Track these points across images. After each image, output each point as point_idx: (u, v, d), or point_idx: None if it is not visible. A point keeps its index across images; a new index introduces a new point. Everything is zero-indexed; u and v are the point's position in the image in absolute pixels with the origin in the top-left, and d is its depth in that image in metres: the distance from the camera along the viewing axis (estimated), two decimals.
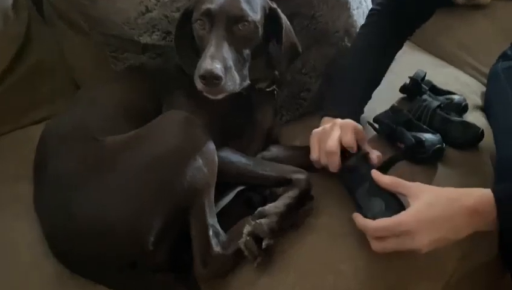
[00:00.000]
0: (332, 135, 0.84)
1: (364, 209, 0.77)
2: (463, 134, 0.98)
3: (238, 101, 0.89)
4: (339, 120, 0.87)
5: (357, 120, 0.91)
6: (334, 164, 0.84)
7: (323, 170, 0.87)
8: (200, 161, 0.78)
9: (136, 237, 0.74)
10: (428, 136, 0.93)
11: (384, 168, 0.87)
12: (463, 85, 1.19)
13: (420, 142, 0.92)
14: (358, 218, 0.76)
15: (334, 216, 0.85)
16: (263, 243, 0.76)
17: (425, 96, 1.03)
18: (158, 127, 0.81)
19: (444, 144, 0.94)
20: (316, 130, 0.88)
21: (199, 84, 0.81)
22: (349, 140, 0.83)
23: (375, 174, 0.78)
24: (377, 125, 0.99)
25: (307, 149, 0.91)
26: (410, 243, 0.71)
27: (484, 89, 1.19)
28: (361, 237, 0.79)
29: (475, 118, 1.07)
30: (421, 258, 0.79)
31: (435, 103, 1.00)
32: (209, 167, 0.79)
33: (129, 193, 0.74)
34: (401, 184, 0.76)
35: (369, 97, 0.98)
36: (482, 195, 0.72)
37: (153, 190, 0.75)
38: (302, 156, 0.93)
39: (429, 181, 0.90)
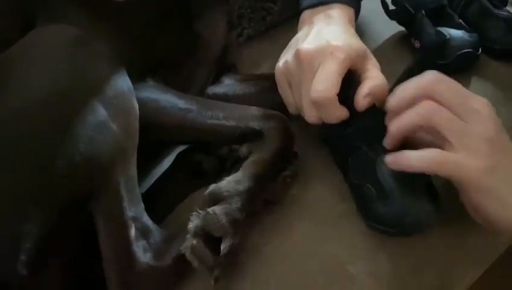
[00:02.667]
0: (324, 66, 0.48)
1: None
2: (506, 37, 0.67)
3: (167, 5, 0.54)
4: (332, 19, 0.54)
5: (358, 8, 0.61)
6: (332, 117, 0.50)
7: None
8: (102, 112, 0.45)
9: None
10: (456, 34, 0.64)
11: None
12: None
13: (442, 41, 0.63)
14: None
15: (331, 186, 0.53)
16: (221, 246, 0.45)
17: None
18: (23, 55, 0.46)
19: (480, 50, 0.66)
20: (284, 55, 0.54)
21: None
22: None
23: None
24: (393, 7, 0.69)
25: (271, 79, 0.59)
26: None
27: None
28: None
29: None
30: (469, 242, 0.51)
31: None
32: (121, 120, 0.46)
33: None
34: None
35: None
36: None
37: (18, 171, 0.42)
38: (273, 91, 0.61)
39: None
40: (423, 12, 0.66)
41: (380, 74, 0.51)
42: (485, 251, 0.51)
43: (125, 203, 0.46)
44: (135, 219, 0.47)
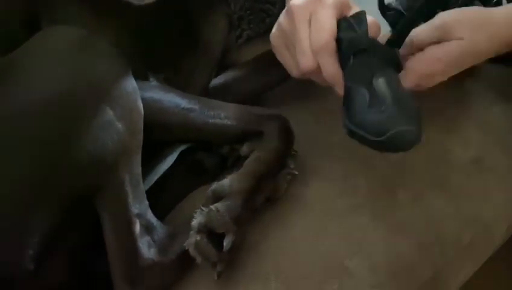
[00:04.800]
0: (317, 15, 0.47)
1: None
2: None
3: (168, 8, 0.55)
4: None
5: None
6: (330, 68, 0.48)
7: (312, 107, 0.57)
8: (108, 111, 0.46)
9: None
10: None
11: (394, 43, 0.53)
12: None
13: None
14: None
15: (330, 181, 0.55)
16: (224, 242, 0.46)
17: None
18: (30, 56, 0.47)
19: None
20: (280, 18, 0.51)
21: None
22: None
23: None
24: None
25: (266, 56, 0.62)
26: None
27: None
28: (379, 211, 0.52)
29: None
30: (465, 236, 0.53)
31: None
32: (127, 119, 0.47)
33: None
34: None
35: None
36: None
37: (25, 168, 0.43)
38: (263, 71, 0.63)
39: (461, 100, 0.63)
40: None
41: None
42: (480, 247, 0.53)
43: (130, 200, 0.47)
44: (140, 216, 0.48)
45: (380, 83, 0.45)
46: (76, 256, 0.48)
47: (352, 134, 0.46)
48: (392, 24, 0.71)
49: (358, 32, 0.48)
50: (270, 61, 0.58)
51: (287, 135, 0.53)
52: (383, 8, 0.70)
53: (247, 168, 0.50)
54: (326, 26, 0.47)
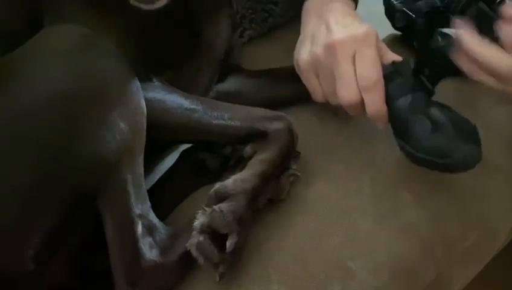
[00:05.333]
0: (363, 54, 0.51)
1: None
2: None
3: (171, 8, 0.55)
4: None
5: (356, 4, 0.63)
6: (378, 105, 0.52)
7: (315, 108, 0.57)
8: (111, 110, 0.46)
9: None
10: None
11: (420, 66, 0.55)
12: None
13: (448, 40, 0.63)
14: None
15: (334, 182, 0.55)
16: (227, 243, 0.46)
17: None
18: (33, 54, 0.47)
19: None
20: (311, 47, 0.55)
21: None
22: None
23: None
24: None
25: (282, 74, 0.63)
26: None
27: None
28: (383, 212, 0.52)
29: None
30: (469, 237, 0.53)
31: None
32: (130, 119, 0.47)
33: None
34: None
35: None
36: None
37: (26, 166, 0.43)
38: (277, 85, 0.62)
39: (466, 101, 0.62)
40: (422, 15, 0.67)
41: None
42: (483, 250, 0.52)
43: (132, 201, 0.47)
44: (141, 216, 0.47)
45: (435, 110, 0.49)
46: (77, 256, 0.47)
47: (418, 161, 0.49)
48: (401, 28, 0.71)
49: (405, 76, 0.52)
50: (289, 77, 0.60)
51: (291, 136, 0.53)
52: (391, 12, 0.70)
53: (251, 169, 0.50)
54: (375, 65, 0.50)
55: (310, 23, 0.58)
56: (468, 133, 0.48)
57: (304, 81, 0.57)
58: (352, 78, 0.51)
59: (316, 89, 0.56)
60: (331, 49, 0.52)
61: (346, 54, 0.51)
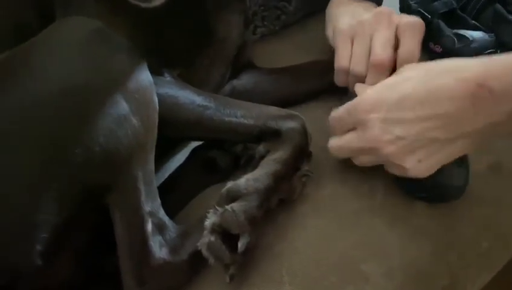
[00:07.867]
0: (381, 33, 0.53)
1: None
2: None
3: (184, 4, 0.54)
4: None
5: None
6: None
7: (327, 106, 0.56)
8: (124, 105, 0.45)
9: (7, 245, 0.42)
10: (476, 35, 0.65)
11: None
12: None
13: (465, 43, 0.64)
14: None
15: (346, 184, 0.54)
16: (239, 244, 0.45)
17: None
18: (45, 45, 0.46)
19: (499, 50, 0.65)
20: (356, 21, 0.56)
21: None
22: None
23: None
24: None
25: (299, 71, 0.63)
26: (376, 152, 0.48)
27: None
28: (396, 215, 0.51)
29: None
30: (483, 243, 0.52)
31: None
32: (142, 114, 0.46)
33: None
34: None
35: None
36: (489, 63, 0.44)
37: (36, 161, 0.42)
38: (293, 84, 0.61)
39: None
40: (439, 16, 0.66)
41: None
42: (497, 254, 0.51)
43: (143, 198, 0.46)
44: (152, 214, 0.47)
45: None
46: (85, 253, 0.47)
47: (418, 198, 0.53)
48: None
49: None
50: (305, 75, 0.62)
51: (304, 135, 0.52)
52: (407, 12, 0.70)
53: (264, 168, 0.49)
54: (418, 46, 0.54)
55: (342, 9, 0.61)
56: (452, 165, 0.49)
57: (337, 46, 0.57)
58: (391, 42, 0.53)
59: (346, 54, 0.56)
60: (380, 16, 0.54)
61: (393, 23, 0.53)
